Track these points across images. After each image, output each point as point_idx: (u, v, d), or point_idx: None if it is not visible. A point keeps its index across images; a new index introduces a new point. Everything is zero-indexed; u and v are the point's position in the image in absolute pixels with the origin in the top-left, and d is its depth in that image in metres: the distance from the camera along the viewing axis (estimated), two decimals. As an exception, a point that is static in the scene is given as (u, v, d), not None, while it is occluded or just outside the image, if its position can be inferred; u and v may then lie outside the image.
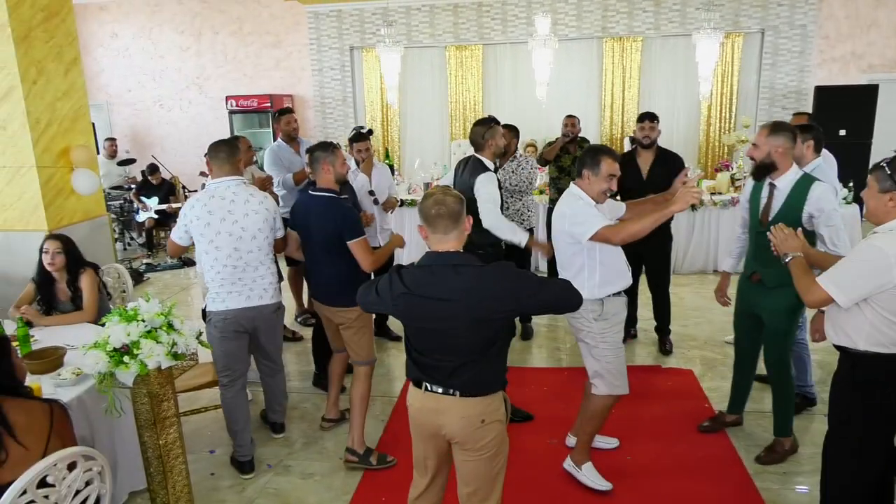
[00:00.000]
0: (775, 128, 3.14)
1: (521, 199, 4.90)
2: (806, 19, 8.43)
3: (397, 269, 2.23)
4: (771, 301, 3.26)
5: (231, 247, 3.17)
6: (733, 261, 3.72)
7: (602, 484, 3.21)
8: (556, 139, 5.76)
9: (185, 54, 9.94)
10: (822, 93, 7.93)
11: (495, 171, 3.84)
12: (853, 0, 8.41)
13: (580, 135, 5.74)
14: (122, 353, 2.47)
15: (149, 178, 8.36)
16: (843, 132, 7.26)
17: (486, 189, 3.65)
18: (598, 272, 3.03)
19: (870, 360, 2.34)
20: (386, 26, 6.99)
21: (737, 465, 3.40)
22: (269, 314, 3.37)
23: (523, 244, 3.63)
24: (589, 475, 3.24)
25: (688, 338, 5.13)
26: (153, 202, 8.08)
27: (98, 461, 2.17)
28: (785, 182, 3.12)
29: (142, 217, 8.20)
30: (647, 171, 4.56)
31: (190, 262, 7.49)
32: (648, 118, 4.62)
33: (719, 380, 4.40)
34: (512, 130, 4.92)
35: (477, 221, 3.81)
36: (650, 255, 4.69)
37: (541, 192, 6.65)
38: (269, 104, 9.33)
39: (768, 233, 2.73)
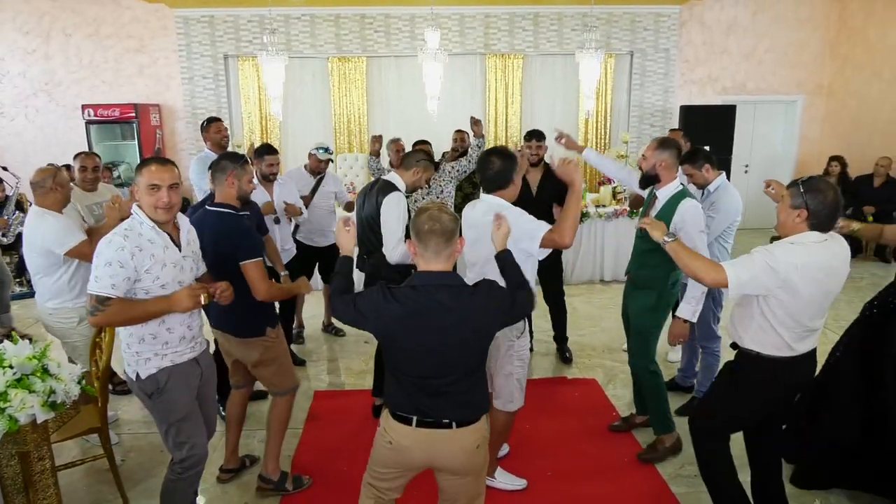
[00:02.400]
0: (662, 143, 3.36)
1: (450, 207, 4.85)
2: (668, 44, 9.08)
3: (387, 288, 2.10)
4: (635, 300, 3.49)
5: None
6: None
7: (518, 482, 3.31)
8: (445, 154, 5.75)
9: (30, 57, 8.87)
10: (687, 112, 8.56)
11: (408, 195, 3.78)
12: (708, 28, 9.18)
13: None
14: (-15, 407, 2.03)
15: (-10, 195, 7.32)
16: (707, 148, 7.80)
17: (395, 211, 3.51)
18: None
19: (752, 360, 2.54)
20: (269, 34, 6.60)
21: (651, 471, 3.48)
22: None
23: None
24: (504, 480, 3.31)
25: (586, 347, 5.24)
26: (-5, 223, 7.07)
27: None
28: (664, 193, 3.31)
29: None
30: (535, 188, 4.63)
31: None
32: (535, 137, 4.67)
33: (622, 388, 4.51)
34: (428, 145, 5.03)
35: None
36: (543, 269, 4.75)
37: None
38: (133, 114, 8.54)
39: (642, 226, 2.87)
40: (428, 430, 2.10)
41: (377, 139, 5.18)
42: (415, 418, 2.10)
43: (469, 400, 2.14)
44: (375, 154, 5.12)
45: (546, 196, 4.52)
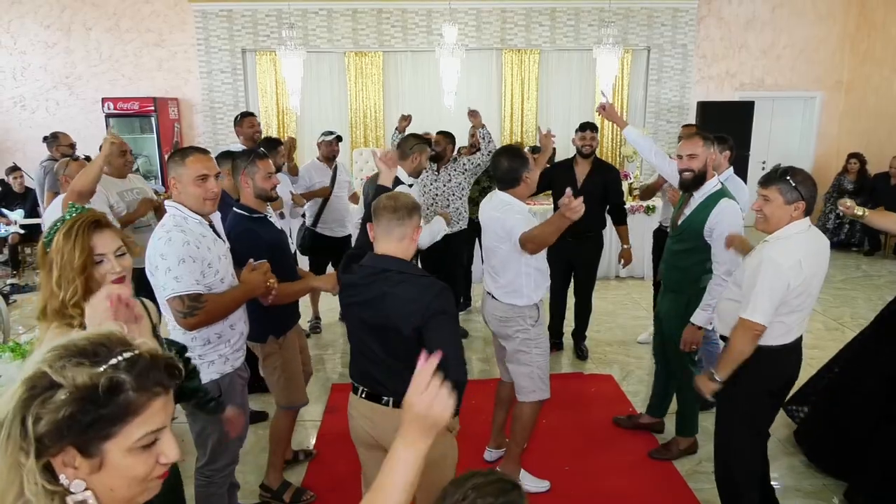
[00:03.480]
0: (708, 137, 3.16)
1: (460, 199, 4.91)
2: (686, 39, 9.03)
3: (348, 263, 2.19)
4: (665, 303, 3.41)
5: None
6: None
7: (541, 485, 3.29)
8: (461, 149, 5.79)
9: (51, 51, 8.98)
10: (705, 108, 8.51)
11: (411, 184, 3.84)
12: (726, 23, 9.13)
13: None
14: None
15: (11, 184, 7.44)
16: (723, 144, 7.79)
17: None
18: (532, 277, 3.03)
19: None
20: (287, 28, 6.66)
21: (668, 467, 3.50)
22: None
23: (444, 229, 3.60)
24: (527, 482, 3.26)
25: (602, 343, 5.26)
26: (18, 215, 7.20)
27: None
28: (701, 192, 3.14)
29: (3, 232, 7.28)
30: (582, 180, 4.57)
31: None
32: (590, 128, 4.60)
33: (638, 383, 4.53)
34: (447, 137, 4.96)
35: None
36: (580, 263, 4.77)
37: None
38: (152, 107, 8.62)
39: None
40: (369, 404, 2.15)
41: (406, 118, 5.32)
42: (361, 388, 2.18)
43: (404, 389, 2.12)
44: (401, 131, 5.20)
45: (592, 188, 4.43)
